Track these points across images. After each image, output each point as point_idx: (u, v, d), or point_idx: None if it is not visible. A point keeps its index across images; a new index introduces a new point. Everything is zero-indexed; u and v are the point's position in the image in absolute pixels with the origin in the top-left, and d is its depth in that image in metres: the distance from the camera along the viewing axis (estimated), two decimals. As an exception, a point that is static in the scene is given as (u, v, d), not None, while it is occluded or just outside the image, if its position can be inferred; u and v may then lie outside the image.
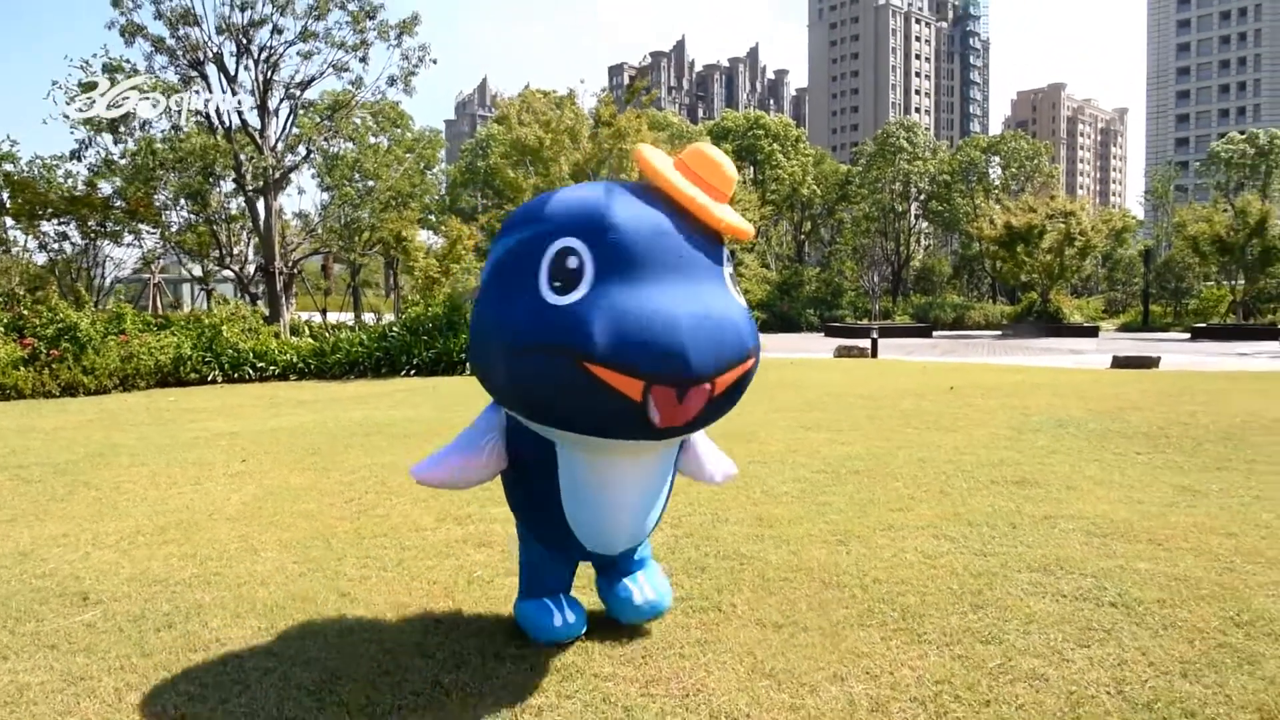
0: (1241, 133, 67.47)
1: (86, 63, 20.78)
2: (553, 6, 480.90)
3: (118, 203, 23.21)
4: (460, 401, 11.80)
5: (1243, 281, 38.82)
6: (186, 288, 44.67)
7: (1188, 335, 35.25)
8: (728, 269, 2.95)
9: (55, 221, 24.03)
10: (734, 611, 3.82)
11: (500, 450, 3.25)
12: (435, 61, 20.09)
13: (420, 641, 3.56)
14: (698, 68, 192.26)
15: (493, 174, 24.11)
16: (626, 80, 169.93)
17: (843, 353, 22.19)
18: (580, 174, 18.37)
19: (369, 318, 27.31)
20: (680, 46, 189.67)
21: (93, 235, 24.96)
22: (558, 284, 2.75)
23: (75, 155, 23.60)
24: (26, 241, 25.89)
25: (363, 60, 20.14)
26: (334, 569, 4.53)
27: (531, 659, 3.34)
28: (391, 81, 20.34)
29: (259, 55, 19.97)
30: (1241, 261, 37.58)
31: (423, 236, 32.57)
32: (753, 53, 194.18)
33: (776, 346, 29.20)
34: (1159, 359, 18.75)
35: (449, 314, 17.39)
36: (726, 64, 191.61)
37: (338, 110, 20.47)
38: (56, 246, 25.60)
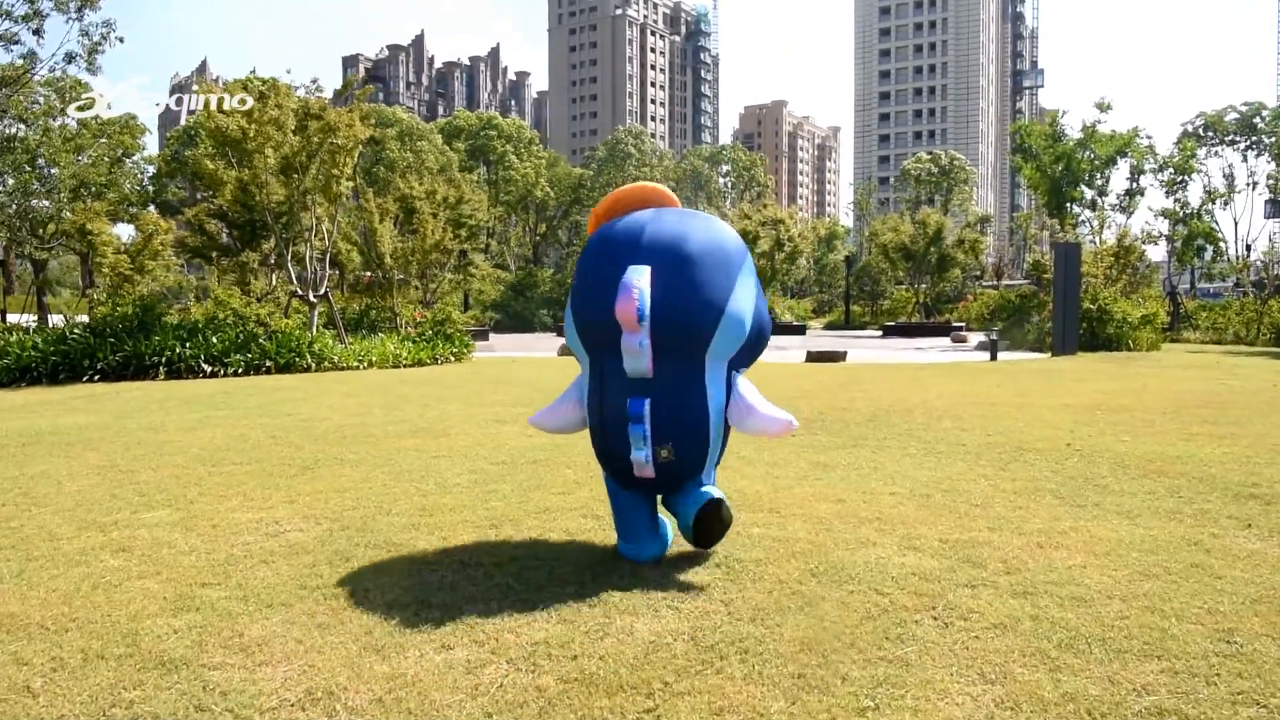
0: (929, 153, 75.97)
1: None
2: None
3: None
4: (141, 408, 11.02)
5: (925, 284, 43.79)
6: None
7: (881, 332, 39.30)
8: None
9: None
10: (365, 595, 3.93)
11: None
12: (121, 40, 18.47)
13: (17, 651, 3.38)
14: (438, 64, 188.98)
15: (196, 164, 22.50)
16: (362, 72, 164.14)
17: (566, 351, 22.76)
18: (289, 167, 17.57)
19: (57, 319, 24.64)
20: (419, 41, 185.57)
21: None
22: None
23: None
24: None
25: (36, 33, 18.11)
26: (-65, 585, 4.17)
27: (132, 659, 3.28)
28: (70, 59, 18.45)
29: (-96, 19, 17.50)
30: (923, 266, 42.38)
31: (119, 230, 29.82)
32: (494, 53, 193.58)
33: (506, 345, 29.46)
34: (845, 354, 20.80)
35: (141, 314, 16.09)
36: (468, 62, 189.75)
37: (6, 86, 18.27)
38: None
